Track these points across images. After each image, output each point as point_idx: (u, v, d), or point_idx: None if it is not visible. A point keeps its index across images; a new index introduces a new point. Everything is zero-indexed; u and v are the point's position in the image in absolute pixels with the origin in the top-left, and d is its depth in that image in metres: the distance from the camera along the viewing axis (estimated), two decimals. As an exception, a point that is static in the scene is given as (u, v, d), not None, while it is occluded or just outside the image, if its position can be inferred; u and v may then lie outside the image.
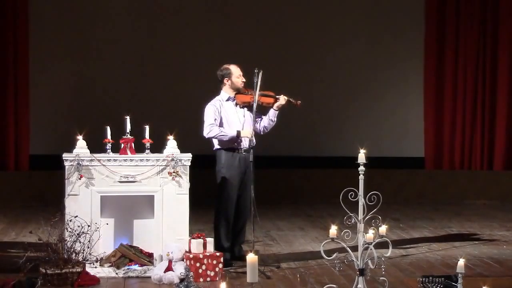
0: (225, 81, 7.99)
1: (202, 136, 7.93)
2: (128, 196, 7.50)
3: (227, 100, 7.99)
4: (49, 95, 12.65)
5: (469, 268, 7.53)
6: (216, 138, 7.88)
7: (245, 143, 7.91)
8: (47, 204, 11.03)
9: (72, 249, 6.85)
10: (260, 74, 7.67)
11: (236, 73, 7.99)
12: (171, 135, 7.53)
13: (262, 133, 8.11)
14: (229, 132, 7.85)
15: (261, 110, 8.04)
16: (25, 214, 10.95)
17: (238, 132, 7.84)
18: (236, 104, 7.99)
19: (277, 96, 7.96)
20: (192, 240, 7.33)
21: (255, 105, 7.80)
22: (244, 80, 7.98)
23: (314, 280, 7.18)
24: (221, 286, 5.12)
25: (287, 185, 12.87)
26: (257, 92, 7.76)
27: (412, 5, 13.28)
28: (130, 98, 12.48)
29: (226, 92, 8.01)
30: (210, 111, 7.90)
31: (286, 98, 7.94)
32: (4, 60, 12.41)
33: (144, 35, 12.81)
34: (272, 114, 7.99)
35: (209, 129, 7.83)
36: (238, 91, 7.98)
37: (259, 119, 8.05)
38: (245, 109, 8.00)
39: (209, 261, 7.22)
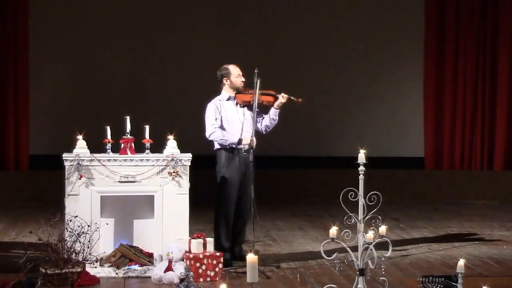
0: (224, 81, 7.99)
1: (204, 135, 7.93)
2: (128, 196, 7.51)
3: (228, 99, 7.99)
4: (49, 95, 12.66)
5: (469, 268, 7.53)
6: (216, 141, 7.88)
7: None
8: (47, 204, 11.02)
9: (72, 249, 6.85)
10: (259, 82, 7.66)
11: (235, 72, 7.99)
12: (171, 135, 7.54)
13: (264, 132, 8.10)
14: (231, 138, 7.84)
15: (262, 109, 8.04)
16: (25, 214, 10.95)
17: (240, 140, 7.83)
18: (237, 104, 7.99)
19: (277, 95, 7.95)
20: (192, 240, 7.33)
21: (255, 105, 7.79)
22: (243, 79, 7.98)
23: (314, 280, 7.19)
24: (221, 286, 5.12)
25: (287, 185, 12.86)
26: (257, 93, 7.75)
27: (412, 6, 13.28)
28: (130, 98, 12.48)
29: (226, 92, 8.02)
30: (211, 111, 7.91)
31: (286, 96, 7.94)
32: (4, 60, 12.40)
33: (144, 35, 12.82)
34: (273, 113, 7.99)
35: (212, 130, 7.83)
36: (238, 91, 7.98)
37: (261, 118, 8.05)
38: (246, 108, 8.00)
39: (209, 261, 7.22)
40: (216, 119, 7.88)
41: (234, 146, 7.86)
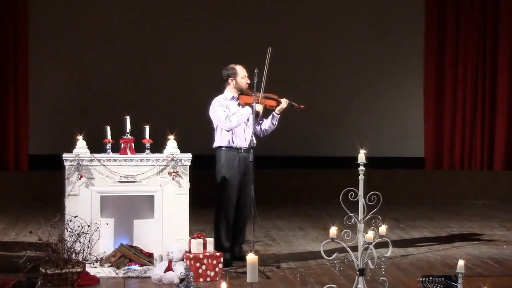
0: (229, 80, 8.00)
1: (226, 130, 7.90)
2: (128, 196, 7.51)
3: (231, 99, 7.99)
4: (49, 95, 12.66)
5: (469, 268, 7.53)
6: (238, 124, 7.83)
7: (245, 144, 7.91)
8: (47, 204, 11.02)
9: (72, 249, 6.86)
10: (269, 51, 7.64)
11: (241, 73, 7.99)
12: (171, 135, 7.54)
13: (261, 135, 8.10)
14: (244, 111, 7.85)
15: (263, 113, 8.03)
16: (25, 214, 10.95)
17: (251, 107, 7.83)
18: (239, 105, 7.99)
19: (279, 100, 7.96)
20: (192, 240, 7.34)
21: (255, 106, 7.79)
22: (248, 81, 7.98)
23: (314, 280, 7.19)
24: (221, 286, 5.12)
25: (287, 185, 12.86)
26: (261, 95, 7.76)
27: (412, 5, 13.28)
28: (130, 98, 12.48)
29: (229, 91, 8.02)
30: (219, 106, 7.89)
31: (287, 101, 7.94)
32: (4, 60, 12.41)
33: (144, 35, 12.81)
34: (275, 118, 8.00)
35: (229, 121, 7.81)
36: (241, 92, 7.98)
37: (260, 121, 8.05)
38: (248, 110, 8.01)
39: (209, 261, 7.23)
40: (224, 111, 7.86)
41: (237, 145, 7.86)
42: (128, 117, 7.53)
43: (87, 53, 12.72)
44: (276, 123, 8.02)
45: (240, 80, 7.98)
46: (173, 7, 12.90)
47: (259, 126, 8.03)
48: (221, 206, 7.92)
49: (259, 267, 6.66)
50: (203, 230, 8.66)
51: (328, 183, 12.44)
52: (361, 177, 6.13)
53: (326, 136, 13.15)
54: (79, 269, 6.84)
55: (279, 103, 7.95)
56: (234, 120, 7.82)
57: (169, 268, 7.13)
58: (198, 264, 7.18)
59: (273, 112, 7.98)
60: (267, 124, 8.04)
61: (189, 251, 7.30)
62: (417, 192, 13.10)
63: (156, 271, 7.15)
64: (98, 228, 7.15)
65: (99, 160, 7.32)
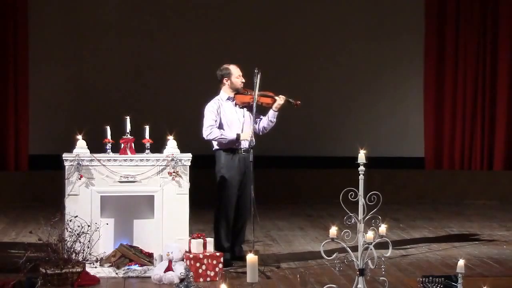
0: (224, 81, 7.99)
1: (202, 137, 7.93)
2: (128, 196, 7.51)
3: (227, 100, 7.99)
4: (48, 95, 12.66)
5: (469, 268, 7.53)
6: (215, 140, 7.87)
7: (244, 144, 7.90)
8: (47, 204, 11.02)
9: (72, 249, 6.86)
10: (259, 75, 7.66)
11: (235, 73, 7.98)
12: (171, 135, 7.54)
13: (261, 133, 8.09)
14: (229, 135, 7.84)
15: (261, 111, 8.03)
16: (25, 214, 10.95)
17: (238, 135, 7.83)
18: (236, 104, 7.98)
19: (276, 97, 7.95)
20: (192, 240, 7.34)
21: (254, 106, 7.79)
22: (243, 80, 7.97)
23: (314, 280, 7.19)
24: (221, 286, 5.12)
25: (287, 185, 12.86)
26: (257, 93, 7.76)
27: (412, 5, 13.28)
28: (130, 98, 12.48)
29: (225, 92, 8.01)
30: (210, 112, 7.90)
31: (284, 98, 7.93)
32: (4, 61, 12.41)
33: (144, 35, 12.81)
34: (272, 115, 7.98)
35: (209, 131, 7.82)
36: (237, 91, 7.97)
37: (259, 119, 8.04)
38: (245, 109, 8.00)
39: (209, 261, 7.23)
40: (215, 121, 7.86)
41: (235, 146, 7.86)
42: (128, 117, 7.53)
43: (87, 53, 12.71)
44: (275, 120, 8.00)
45: (235, 80, 7.96)
46: (172, 8, 12.90)
47: (257, 125, 8.02)
48: (221, 206, 7.92)
49: (259, 267, 6.66)
50: (203, 230, 8.65)
51: (328, 183, 12.44)
52: (361, 177, 6.14)
53: (326, 136, 13.15)
54: (79, 269, 6.84)
55: (275, 100, 7.93)
56: (213, 134, 7.81)
57: (169, 268, 7.13)
58: (198, 264, 7.18)
59: (271, 109, 7.96)
60: (265, 121, 8.02)
61: (189, 251, 7.30)
62: (417, 192, 13.10)
63: (156, 271, 7.15)
64: (98, 228, 7.15)
65: (99, 160, 7.32)
